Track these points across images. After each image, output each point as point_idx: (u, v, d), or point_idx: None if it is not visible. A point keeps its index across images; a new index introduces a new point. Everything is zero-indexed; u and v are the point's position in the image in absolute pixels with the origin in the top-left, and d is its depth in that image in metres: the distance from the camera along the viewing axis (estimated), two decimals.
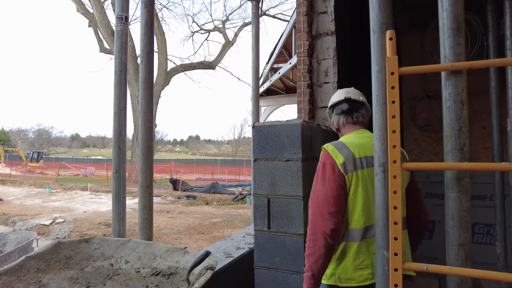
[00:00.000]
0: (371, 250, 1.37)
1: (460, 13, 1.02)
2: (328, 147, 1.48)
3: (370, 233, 1.38)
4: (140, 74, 1.76)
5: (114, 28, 1.98)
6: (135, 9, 18.11)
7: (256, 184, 1.71)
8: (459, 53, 1.03)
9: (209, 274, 1.24)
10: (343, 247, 1.40)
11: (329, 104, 1.75)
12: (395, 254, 1.01)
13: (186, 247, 1.48)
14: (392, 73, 1.05)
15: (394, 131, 1.02)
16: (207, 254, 1.35)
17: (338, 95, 1.71)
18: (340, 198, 1.38)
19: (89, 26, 21.29)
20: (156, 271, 1.44)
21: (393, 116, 1.03)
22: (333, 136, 2.36)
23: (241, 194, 15.27)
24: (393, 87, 1.04)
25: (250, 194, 13.63)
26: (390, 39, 1.07)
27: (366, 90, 3.31)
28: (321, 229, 1.34)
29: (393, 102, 1.04)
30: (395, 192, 1.01)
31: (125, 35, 1.92)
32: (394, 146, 1.02)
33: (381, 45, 1.15)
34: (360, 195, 1.39)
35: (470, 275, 0.97)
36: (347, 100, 1.66)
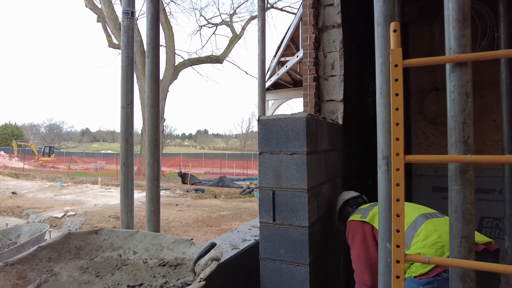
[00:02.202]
0: None
1: (466, 3, 1.01)
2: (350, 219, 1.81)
3: None
4: (147, 68, 1.78)
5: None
6: (143, 4, 18.15)
7: (261, 177, 1.73)
8: (465, 44, 1.02)
9: (214, 264, 1.26)
10: None
11: (344, 199, 2.04)
12: (397, 246, 1.02)
13: (192, 239, 1.51)
14: (396, 66, 1.04)
15: (397, 124, 1.02)
16: (212, 245, 1.38)
17: (351, 193, 2.06)
18: (371, 253, 1.63)
19: (97, 21, 21.41)
20: (163, 262, 1.47)
21: (397, 109, 1.03)
22: (338, 129, 2.36)
23: (248, 188, 15.34)
24: (396, 80, 1.04)
25: (258, 188, 13.68)
26: (394, 31, 1.07)
27: (374, 82, 3.28)
28: (361, 282, 1.66)
29: (397, 94, 1.04)
30: (398, 185, 1.01)
31: (131, 30, 1.94)
32: (397, 139, 1.02)
33: (385, 37, 1.15)
34: None
35: (472, 267, 0.97)
36: (360, 196, 2.03)
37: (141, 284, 1.31)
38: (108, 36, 21.48)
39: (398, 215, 1.00)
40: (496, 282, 1.39)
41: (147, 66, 1.81)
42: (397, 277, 1.00)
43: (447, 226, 1.48)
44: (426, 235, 1.45)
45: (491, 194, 3.08)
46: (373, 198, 2.08)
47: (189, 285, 1.24)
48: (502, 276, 2.56)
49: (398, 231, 1.00)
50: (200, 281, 1.10)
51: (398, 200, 1.01)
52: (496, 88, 2.81)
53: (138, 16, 20.15)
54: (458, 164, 1.01)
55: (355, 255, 1.69)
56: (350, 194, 2.06)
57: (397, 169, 1.01)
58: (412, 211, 1.61)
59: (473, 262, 0.97)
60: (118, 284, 1.35)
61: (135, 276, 1.42)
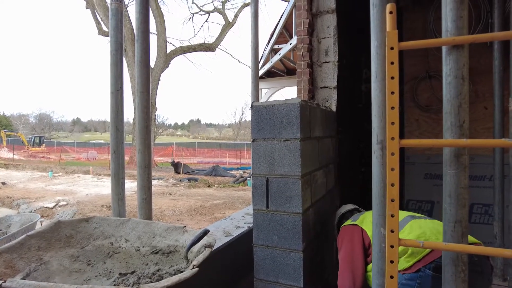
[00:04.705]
0: None
1: None
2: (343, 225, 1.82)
3: None
4: (136, 53, 1.73)
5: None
6: None
7: (254, 164, 1.71)
8: (462, 27, 1.00)
9: (207, 251, 1.25)
10: None
11: (340, 213, 2.04)
12: (392, 231, 1.01)
13: (185, 226, 1.49)
14: (392, 48, 1.02)
15: (392, 108, 1.01)
16: (205, 232, 1.37)
17: (349, 206, 2.06)
18: (355, 254, 1.61)
19: (86, 8, 20.88)
20: (156, 250, 1.46)
21: (392, 92, 1.01)
22: (332, 116, 2.35)
23: (242, 177, 15.37)
24: (392, 63, 1.02)
25: (251, 177, 13.71)
26: (390, 12, 1.04)
27: (368, 69, 3.25)
28: (341, 284, 1.61)
29: (392, 78, 1.02)
30: (392, 169, 1.00)
31: (120, 13, 1.88)
32: (392, 123, 1.01)
33: (381, 19, 1.12)
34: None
35: (465, 251, 0.98)
36: (357, 209, 2.01)
37: (133, 272, 1.29)
38: (97, 23, 20.98)
39: (392, 200, 1.00)
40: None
41: (136, 51, 1.76)
42: (391, 261, 1.00)
43: (433, 224, 1.50)
44: (410, 231, 1.46)
45: (481, 181, 3.12)
46: (366, 184, 2.08)
47: (182, 272, 1.23)
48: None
49: (392, 216, 1.00)
50: (193, 268, 1.09)
51: (392, 185, 1.00)
52: (488, 75, 2.82)
53: (128, 3, 19.72)
54: (453, 148, 1.00)
55: (340, 258, 1.67)
56: (346, 208, 2.06)
57: (392, 154, 1.00)
58: (401, 213, 1.61)
59: (466, 246, 0.98)
60: (110, 272, 1.34)
61: (127, 264, 1.40)
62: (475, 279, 1.23)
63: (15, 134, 35.67)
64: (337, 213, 2.10)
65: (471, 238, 1.42)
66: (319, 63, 2.52)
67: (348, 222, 1.78)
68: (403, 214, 1.61)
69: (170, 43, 22.59)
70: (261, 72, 8.47)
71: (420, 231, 1.45)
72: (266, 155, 1.66)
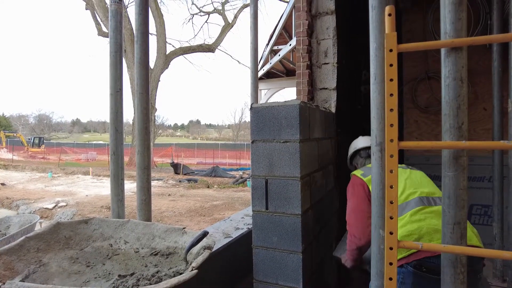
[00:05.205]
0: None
1: None
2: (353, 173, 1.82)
3: None
4: (136, 54, 1.73)
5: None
6: None
7: (254, 165, 1.71)
8: (460, 29, 1.00)
9: (206, 253, 1.25)
10: None
11: (356, 148, 1.97)
12: (391, 233, 1.01)
13: (184, 227, 1.49)
14: (391, 50, 1.02)
15: (391, 110, 1.01)
16: (204, 234, 1.37)
17: (366, 141, 1.95)
18: (364, 206, 1.64)
19: (86, 9, 20.89)
20: (155, 251, 1.45)
21: (391, 95, 1.02)
22: (331, 117, 2.35)
23: (241, 178, 15.37)
24: (391, 65, 1.02)
25: (250, 177, 13.69)
26: (389, 15, 1.04)
27: (367, 71, 3.27)
28: (351, 233, 1.68)
29: (391, 80, 1.02)
30: (391, 171, 1.00)
31: (119, 14, 1.88)
32: (391, 125, 1.01)
33: (380, 22, 1.12)
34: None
35: (464, 253, 0.98)
36: None
37: (132, 274, 1.29)
38: (97, 24, 21.00)
39: (391, 202, 1.00)
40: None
41: (136, 52, 1.76)
42: (390, 263, 1.00)
43: (437, 220, 1.47)
44: (407, 221, 1.48)
45: (480, 182, 3.12)
46: None
47: (181, 274, 1.23)
48: (489, 262, 2.63)
49: (391, 218, 1.00)
50: (192, 270, 1.09)
51: (392, 187, 1.00)
52: (487, 76, 2.83)
53: (128, 4, 19.73)
54: (452, 150, 1.00)
55: (350, 207, 1.72)
56: (362, 142, 1.96)
57: (391, 156, 1.00)
58: (415, 188, 1.60)
59: (464, 248, 0.98)
60: (109, 273, 1.34)
61: (127, 265, 1.40)
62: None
63: (15, 134, 35.66)
64: (351, 146, 2.01)
65: (471, 239, 1.42)
66: (319, 64, 2.52)
67: (359, 172, 1.78)
68: (415, 190, 1.58)
69: (169, 44, 22.68)
70: (260, 73, 8.48)
71: (417, 225, 1.45)
72: (266, 156, 1.66)
